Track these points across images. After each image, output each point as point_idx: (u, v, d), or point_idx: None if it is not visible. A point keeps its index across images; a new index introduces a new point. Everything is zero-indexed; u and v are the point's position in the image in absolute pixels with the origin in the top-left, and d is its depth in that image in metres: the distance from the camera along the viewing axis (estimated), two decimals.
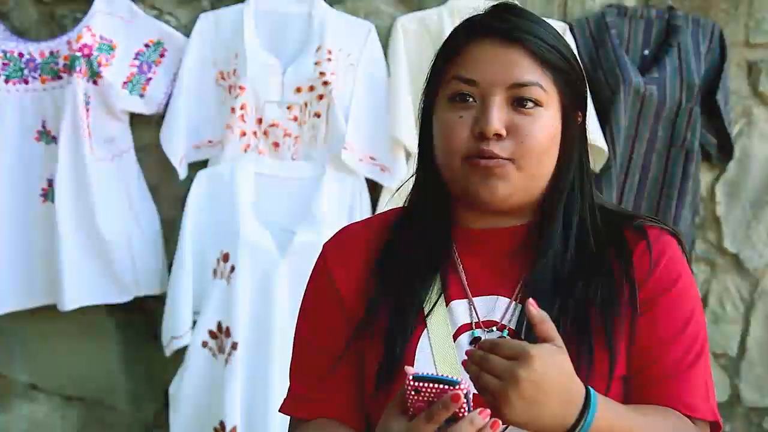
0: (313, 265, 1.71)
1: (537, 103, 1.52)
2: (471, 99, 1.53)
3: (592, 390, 1.39)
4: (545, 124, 1.53)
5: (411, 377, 1.31)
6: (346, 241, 1.69)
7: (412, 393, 1.32)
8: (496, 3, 1.61)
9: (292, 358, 1.69)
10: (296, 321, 1.70)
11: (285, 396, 1.69)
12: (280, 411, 1.69)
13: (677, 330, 1.53)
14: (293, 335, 1.70)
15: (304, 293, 1.70)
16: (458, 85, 1.54)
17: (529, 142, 1.51)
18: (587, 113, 1.62)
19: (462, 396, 1.28)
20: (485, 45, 1.54)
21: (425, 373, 1.32)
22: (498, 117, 1.50)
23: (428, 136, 1.61)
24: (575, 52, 3.32)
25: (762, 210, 3.68)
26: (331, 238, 1.72)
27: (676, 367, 1.53)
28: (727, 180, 3.66)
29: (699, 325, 1.56)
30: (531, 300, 1.38)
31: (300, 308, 1.70)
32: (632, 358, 1.53)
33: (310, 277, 1.70)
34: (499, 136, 1.50)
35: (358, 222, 1.78)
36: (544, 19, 1.62)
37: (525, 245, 1.59)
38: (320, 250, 1.71)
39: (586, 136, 1.62)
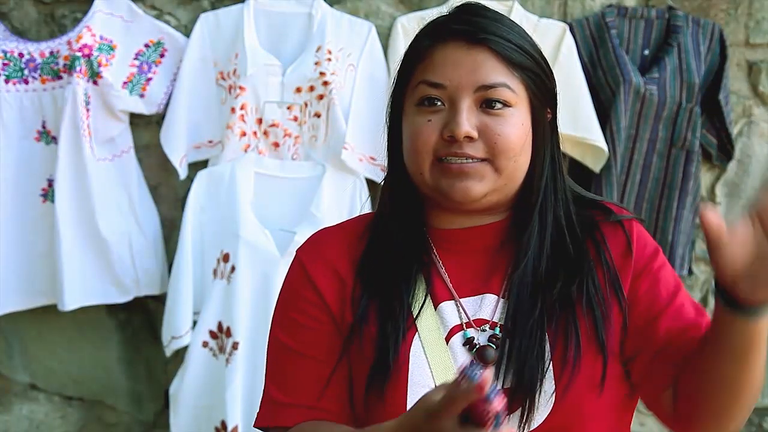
0: (288, 271, 1.68)
1: (506, 104, 1.53)
2: (439, 103, 1.54)
3: None
4: (515, 124, 1.53)
5: (465, 367, 1.26)
6: (322, 248, 1.68)
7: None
8: (460, 3, 1.61)
9: (269, 365, 1.66)
10: (271, 328, 1.67)
11: (260, 408, 1.64)
12: (257, 425, 1.64)
13: (674, 291, 1.56)
14: (268, 342, 1.67)
15: (279, 299, 1.67)
16: (425, 89, 1.54)
17: (501, 142, 1.52)
18: (557, 110, 1.63)
19: (486, 389, 1.21)
20: (450, 48, 1.54)
21: (477, 374, 1.26)
22: (468, 120, 1.51)
23: (396, 142, 1.62)
24: (572, 49, 3.35)
25: None
26: (304, 244, 1.70)
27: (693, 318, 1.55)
28: (727, 180, 3.66)
29: (683, 291, 1.60)
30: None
31: (276, 315, 1.67)
32: (637, 336, 1.54)
33: (287, 284, 1.68)
34: (470, 138, 1.51)
35: (331, 227, 1.75)
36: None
37: (505, 241, 1.60)
38: (294, 257, 1.69)
39: (557, 133, 1.63)
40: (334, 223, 1.75)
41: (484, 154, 1.52)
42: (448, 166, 1.52)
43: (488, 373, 1.21)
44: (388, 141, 1.65)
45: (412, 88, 1.57)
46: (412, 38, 1.63)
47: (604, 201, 1.65)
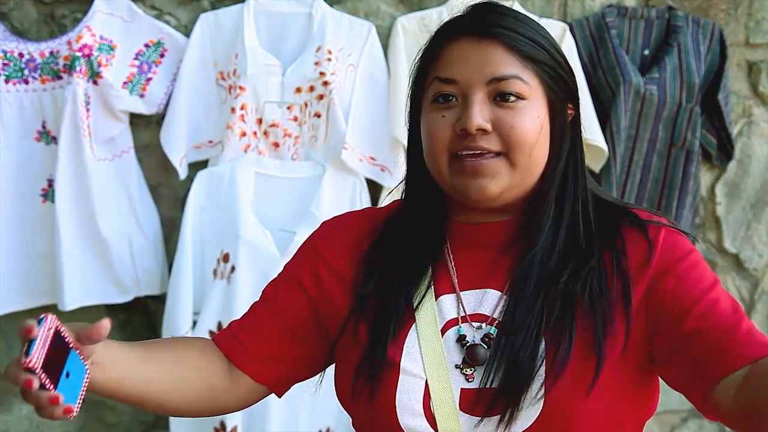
0: (308, 236, 1.75)
1: (519, 96, 1.52)
2: (453, 98, 1.54)
3: None
4: (531, 116, 1.52)
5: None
6: (339, 230, 1.71)
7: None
8: (474, 2, 1.61)
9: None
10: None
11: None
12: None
13: (705, 289, 1.48)
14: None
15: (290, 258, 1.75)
16: (439, 86, 1.55)
17: (516, 134, 1.51)
18: (580, 107, 1.62)
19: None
20: (462, 44, 1.55)
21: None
22: (480, 112, 1.51)
23: (416, 138, 1.62)
24: (572, 48, 3.36)
25: (762, 210, 3.69)
26: (329, 220, 1.76)
27: (728, 335, 1.45)
28: (727, 180, 3.66)
29: (728, 296, 1.51)
30: None
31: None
32: (668, 338, 1.48)
33: (301, 246, 1.74)
34: (483, 131, 1.51)
35: (358, 210, 1.81)
36: (533, 17, 1.61)
37: (516, 238, 1.59)
38: (317, 226, 1.76)
39: (579, 130, 1.62)
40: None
41: (498, 147, 1.51)
42: (463, 164, 1.52)
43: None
44: (408, 140, 1.66)
45: (427, 87, 1.58)
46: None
47: (633, 207, 1.62)
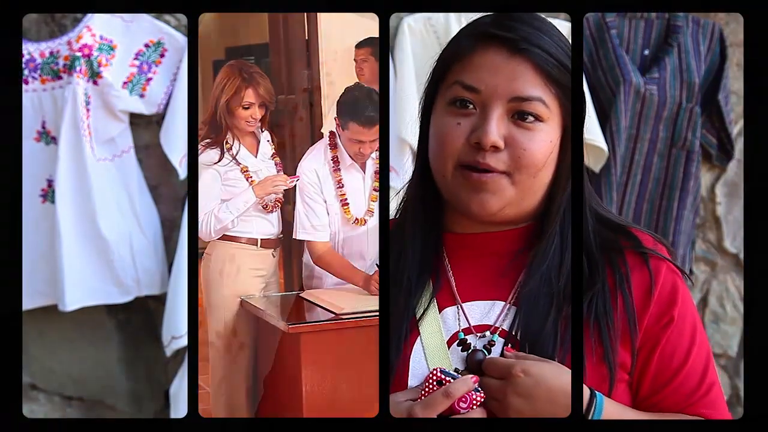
0: None
1: (538, 118, 1.50)
2: (471, 106, 1.51)
3: (598, 393, 1.44)
4: (544, 140, 1.51)
5: (438, 370, 1.45)
6: None
7: (434, 384, 1.44)
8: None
9: None
10: None
11: None
12: None
13: (682, 359, 1.54)
14: None
15: None
16: (459, 90, 1.52)
17: (526, 156, 1.50)
18: (583, 127, 1.60)
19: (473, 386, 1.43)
20: (490, 53, 1.52)
21: (449, 371, 1.45)
22: (497, 129, 1.49)
23: (426, 137, 1.60)
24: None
25: None
26: None
27: (692, 398, 1.54)
28: (727, 180, 3.67)
29: (702, 346, 1.56)
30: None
31: None
32: (640, 384, 1.54)
33: None
34: (496, 148, 1.49)
35: None
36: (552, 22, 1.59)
37: (521, 249, 1.58)
38: None
39: (582, 149, 1.60)
40: None
41: (505, 168, 1.50)
42: (469, 174, 1.50)
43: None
44: (419, 135, 1.63)
45: (446, 87, 1.55)
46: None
47: (636, 228, 1.62)
